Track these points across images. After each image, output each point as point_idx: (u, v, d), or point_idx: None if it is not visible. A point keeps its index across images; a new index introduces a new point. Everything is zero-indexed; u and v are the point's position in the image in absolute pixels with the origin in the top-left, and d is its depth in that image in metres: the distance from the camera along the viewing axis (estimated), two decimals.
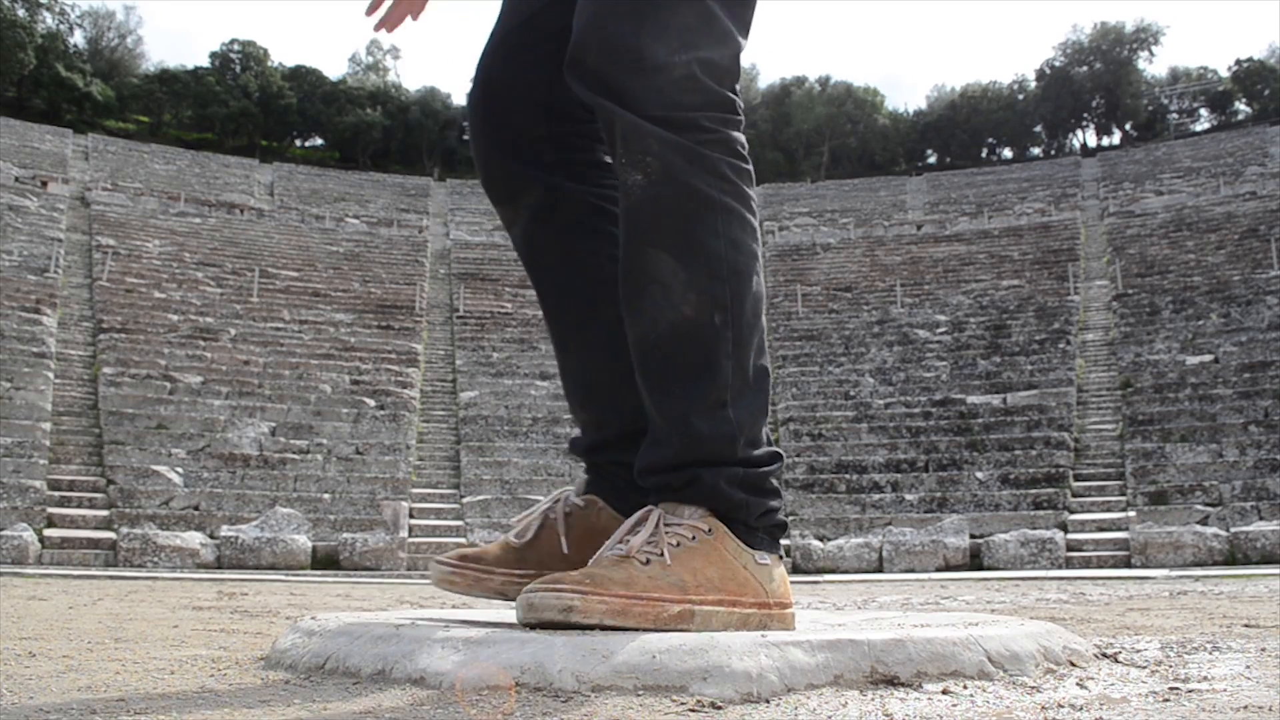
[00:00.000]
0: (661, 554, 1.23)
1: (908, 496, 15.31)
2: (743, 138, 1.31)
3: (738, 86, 1.31)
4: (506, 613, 1.78)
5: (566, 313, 1.51)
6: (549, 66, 1.42)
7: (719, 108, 1.27)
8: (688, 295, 1.25)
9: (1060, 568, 11.40)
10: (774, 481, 1.33)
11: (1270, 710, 0.97)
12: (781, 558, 1.36)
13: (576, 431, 1.57)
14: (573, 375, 1.53)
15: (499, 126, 1.48)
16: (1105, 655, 1.34)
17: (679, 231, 1.25)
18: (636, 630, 1.16)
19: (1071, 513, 14.11)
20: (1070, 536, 12.66)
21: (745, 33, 1.34)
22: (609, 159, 1.41)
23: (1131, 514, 13.52)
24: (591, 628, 1.17)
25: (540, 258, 1.51)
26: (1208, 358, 18.53)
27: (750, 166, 1.31)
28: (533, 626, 1.20)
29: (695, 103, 1.25)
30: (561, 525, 1.45)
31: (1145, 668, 1.27)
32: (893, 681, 1.09)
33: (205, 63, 55.76)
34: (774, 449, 1.35)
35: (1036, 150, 54.98)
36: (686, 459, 1.28)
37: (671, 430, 1.28)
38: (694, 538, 1.26)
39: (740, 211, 1.27)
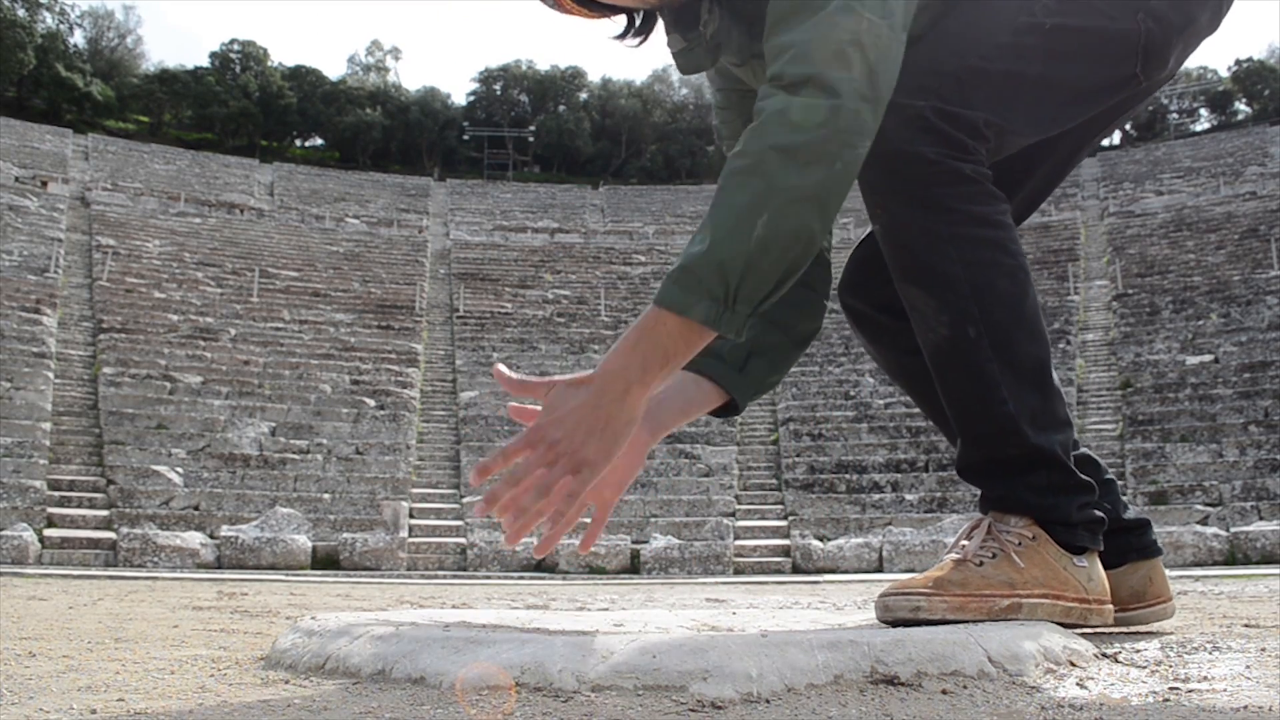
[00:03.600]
0: (993, 557, 1.41)
1: (908, 496, 15.31)
2: (977, 168, 1.41)
3: (986, 138, 1.41)
4: (506, 613, 1.78)
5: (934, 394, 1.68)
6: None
7: (947, 144, 1.38)
8: (941, 318, 1.42)
9: None
10: (1080, 476, 1.47)
11: (1270, 710, 0.97)
12: (1099, 552, 1.51)
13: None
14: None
15: (854, 276, 1.75)
16: (1105, 655, 1.34)
17: (918, 266, 1.42)
18: (974, 623, 1.32)
19: None
20: None
21: (1045, 115, 1.46)
22: None
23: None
24: (938, 623, 1.32)
25: (897, 358, 1.72)
26: (1208, 358, 18.54)
27: (983, 186, 1.41)
28: (890, 624, 1.37)
29: (921, 139, 1.37)
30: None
31: (1145, 668, 1.27)
32: (893, 681, 1.09)
33: (205, 63, 55.85)
34: (1086, 452, 1.56)
35: None
36: (984, 455, 1.46)
37: (965, 432, 1.48)
38: (1019, 543, 1.43)
39: (972, 233, 1.40)
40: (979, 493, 1.49)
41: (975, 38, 1.43)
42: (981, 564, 1.40)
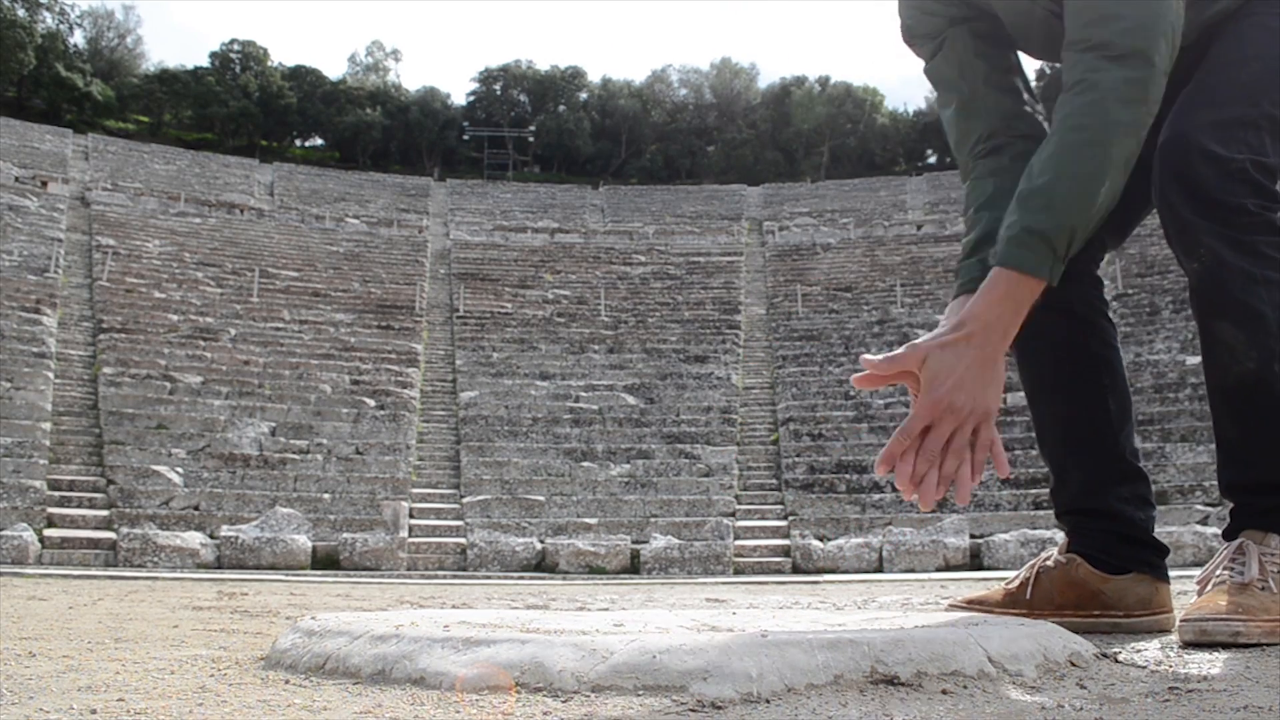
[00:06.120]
0: (1272, 580, 1.49)
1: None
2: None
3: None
4: (506, 613, 1.78)
5: (1048, 382, 1.85)
6: None
7: (1263, 195, 1.55)
8: (1250, 353, 1.54)
9: None
10: None
11: (1270, 710, 0.97)
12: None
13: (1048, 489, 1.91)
14: (1047, 435, 1.86)
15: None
16: (1105, 655, 1.34)
17: (1233, 304, 1.55)
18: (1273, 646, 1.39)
19: None
20: None
21: None
22: (1098, 274, 1.87)
23: None
24: (1245, 647, 1.38)
25: (1030, 337, 1.84)
26: None
27: None
28: (1198, 645, 1.43)
29: (1244, 191, 1.53)
30: (1046, 577, 1.77)
31: (1145, 668, 1.27)
32: (893, 681, 1.09)
33: (205, 63, 55.80)
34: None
35: None
36: (1269, 479, 1.56)
37: (1255, 457, 1.58)
38: None
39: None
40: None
41: (1263, 87, 1.59)
42: (1264, 587, 1.47)
